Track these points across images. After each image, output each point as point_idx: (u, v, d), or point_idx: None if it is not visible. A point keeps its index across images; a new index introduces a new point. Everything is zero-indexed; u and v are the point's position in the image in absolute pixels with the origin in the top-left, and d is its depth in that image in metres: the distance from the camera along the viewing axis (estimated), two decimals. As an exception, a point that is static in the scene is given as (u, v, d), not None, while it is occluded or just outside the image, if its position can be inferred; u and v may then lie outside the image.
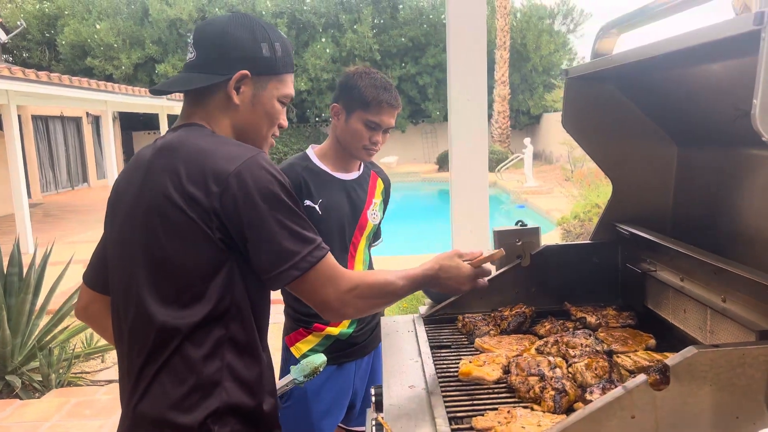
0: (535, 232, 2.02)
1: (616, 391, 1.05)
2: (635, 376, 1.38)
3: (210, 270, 1.23)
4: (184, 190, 1.21)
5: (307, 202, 2.04)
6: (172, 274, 1.24)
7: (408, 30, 22.61)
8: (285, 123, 1.44)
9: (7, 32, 17.90)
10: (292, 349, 2.16)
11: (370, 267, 2.27)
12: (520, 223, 2.07)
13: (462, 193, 3.89)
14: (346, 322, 2.14)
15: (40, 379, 4.37)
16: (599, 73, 1.72)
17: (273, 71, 1.35)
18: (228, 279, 1.25)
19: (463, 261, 1.52)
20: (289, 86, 1.40)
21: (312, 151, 2.19)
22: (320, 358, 1.77)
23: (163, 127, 15.76)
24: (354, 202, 2.14)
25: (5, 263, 4.56)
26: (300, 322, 2.13)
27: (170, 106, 15.73)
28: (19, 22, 20.39)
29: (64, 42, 21.94)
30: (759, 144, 1.47)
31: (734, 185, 1.58)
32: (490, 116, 22.25)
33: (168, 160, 1.26)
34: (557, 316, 1.85)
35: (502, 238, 2.02)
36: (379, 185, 2.26)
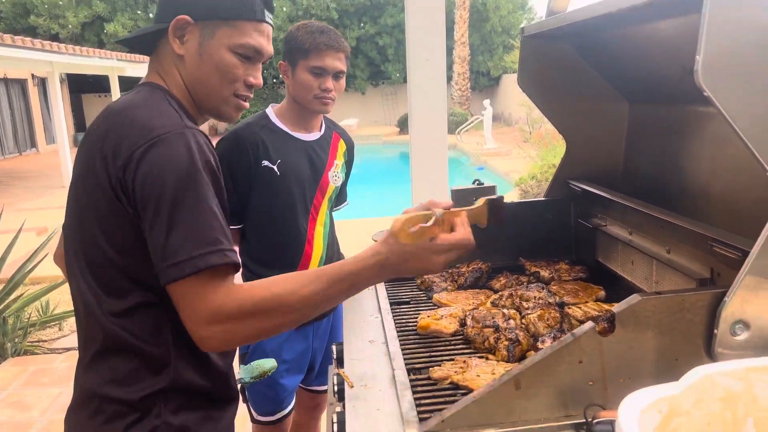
0: (492, 190, 2.06)
1: (565, 339, 1.10)
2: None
3: (140, 248, 1.11)
4: (104, 160, 1.11)
5: (265, 163, 2.02)
6: (104, 251, 1.14)
7: (366, -12, 22.23)
8: (256, 81, 1.26)
9: (-59, -12, 16.90)
10: None
11: (332, 231, 2.26)
12: (477, 182, 2.10)
13: (421, 155, 3.90)
14: None
15: (-5, 348, 4.29)
16: (554, 31, 1.74)
17: (221, 15, 1.19)
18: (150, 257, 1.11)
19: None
20: (248, 35, 1.21)
21: (271, 111, 2.14)
22: (270, 363, 1.79)
23: (114, 89, 15.20)
24: (314, 164, 2.11)
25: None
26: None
27: (121, 67, 15.15)
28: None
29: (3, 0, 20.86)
30: (705, 101, 1.52)
31: (682, 141, 1.64)
32: (449, 78, 22.19)
33: (103, 125, 1.16)
34: (512, 271, 1.90)
35: (459, 197, 2.05)
36: (341, 147, 2.23)
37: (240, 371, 1.77)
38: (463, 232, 1.18)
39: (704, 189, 1.52)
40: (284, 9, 21.73)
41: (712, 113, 1.48)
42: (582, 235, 1.89)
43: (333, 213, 2.34)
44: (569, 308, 1.60)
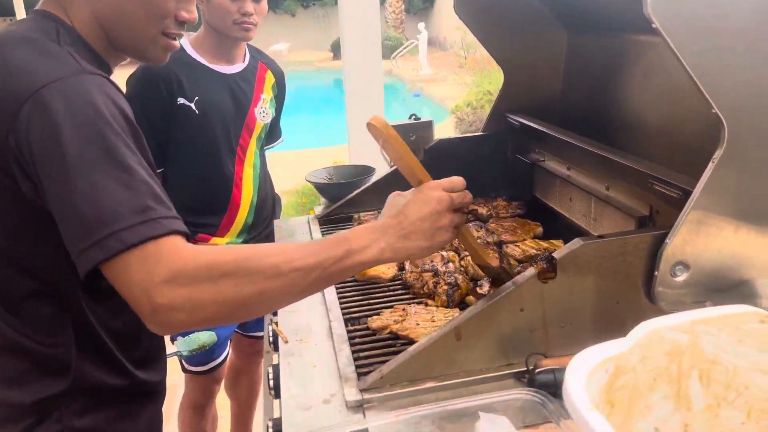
0: (428, 126, 1.98)
1: (506, 287, 1.06)
2: (522, 265, 1.42)
3: (33, 231, 0.93)
4: None
5: (181, 101, 1.84)
6: None
7: None
8: (190, 15, 1.05)
9: None
10: None
11: (264, 172, 2.11)
12: (414, 116, 2.01)
13: (356, 81, 3.76)
14: (234, 231, 2.01)
15: None
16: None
17: None
18: (50, 243, 0.91)
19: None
20: None
21: (186, 41, 1.93)
22: (209, 338, 1.70)
23: (19, 11, 13.91)
24: (238, 99, 1.94)
25: None
26: None
27: (25, -12, 13.84)
28: None
29: None
30: (647, 30, 1.46)
31: (621, 73, 1.59)
32: (383, 0, 21.52)
33: None
34: (451, 209, 1.85)
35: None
36: (269, 79, 2.05)
37: (177, 344, 1.68)
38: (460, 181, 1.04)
39: (644, 123, 1.48)
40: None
41: (653, 43, 1.43)
42: (520, 170, 1.85)
43: (266, 151, 2.20)
44: (507, 247, 1.57)
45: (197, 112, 1.85)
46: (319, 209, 1.98)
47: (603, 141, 1.47)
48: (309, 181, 2.03)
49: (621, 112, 1.58)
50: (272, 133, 2.14)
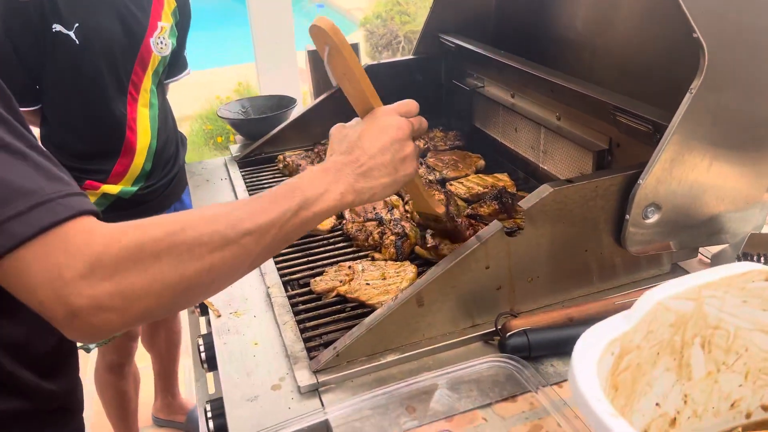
0: (354, 49, 1.78)
1: (469, 244, 0.94)
2: (470, 207, 1.31)
3: None
4: None
5: (57, 27, 1.52)
6: None
7: None
8: None
9: None
10: None
11: (164, 111, 1.82)
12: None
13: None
14: (129, 178, 1.73)
15: None
16: None
17: None
18: None
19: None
20: None
21: None
22: None
23: None
24: (129, 27, 1.64)
25: None
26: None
27: None
28: None
29: None
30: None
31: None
32: None
33: None
34: (383, 142, 1.70)
35: (317, 59, 1.75)
36: (169, 4, 1.73)
37: None
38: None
39: (589, 44, 1.37)
40: None
41: (604, -47, 1.29)
42: (456, 97, 1.71)
43: (170, 84, 1.92)
44: (451, 185, 1.46)
45: (77, 41, 1.55)
46: (235, 148, 1.78)
47: (545, 64, 1.35)
48: (222, 117, 1.80)
49: (564, 31, 1.45)
50: (176, 64, 1.84)
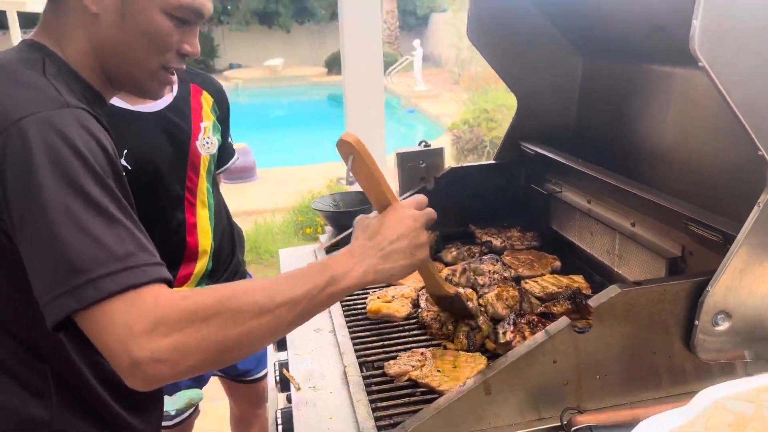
0: (440, 153, 1.92)
1: (538, 338, 0.99)
2: (545, 305, 1.35)
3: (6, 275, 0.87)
4: None
5: None
6: None
7: None
8: (193, 49, 1.02)
9: None
10: None
11: (219, 204, 1.83)
12: (424, 143, 1.95)
13: (356, 96, 3.70)
14: (193, 281, 1.72)
15: None
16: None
17: None
18: (23, 285, 0.82)
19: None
20: None
21: None
22: (196, 393, 1.59)
23: (13, 28, 13.82)
24: (175, 138, 1.64)
25: None
26: None
27: (21, 1, 13.76)
28: None
29: None
30: (668, 60, 1.42)
31: (641, 102, 1.54)
32: (377, 16, 21.56)
33: None
34: (463, 240, 1.79)
35: (405, 160, 1.90)
36: (207, 101, 1.74)
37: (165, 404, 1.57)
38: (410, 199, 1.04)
39: (666, 156, 1.43)
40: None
41: (679, 74, 1.38)
42: (534, 200, 1.79)
43: (221, 174, 1.91)
44: (526, 283, 1.51)
45: (129, 167, 1.54)
46: (324, 238, 1.92)
47: (622, 173, 1.42)
48: (315, 209, 1.96)
49: (640, 143, 1.52)
50: (224, 154, 1.84)
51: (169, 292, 0.79)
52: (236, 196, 6.76)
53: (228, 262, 1.85)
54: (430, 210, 1.03)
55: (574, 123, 1.85)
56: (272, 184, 7.12)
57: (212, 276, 1.78)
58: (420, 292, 1.48)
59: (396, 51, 20.99)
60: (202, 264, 1.74)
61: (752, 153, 0.93)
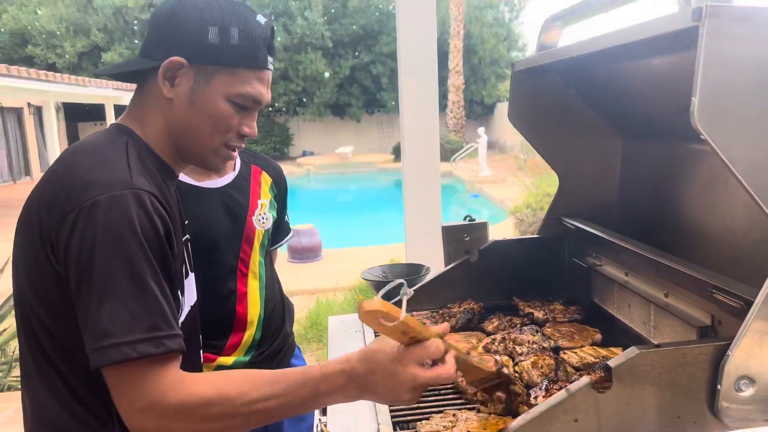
0: (483, 227, 2.00)
1: (559, 395, 1.03)
2: (581, 374, 1.37)
3: (62, 309, 1.01)
4: (39, 212, 1.02)
5: None
6: (37, 313, 1.05)
7: (359, 18, 22.45)
8: (251, 131, 1.16)
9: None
10: None
11: (271, 279, 1.92)
12: (469, 218, 2.04)
13: (414, 182, 3.86)
14: (241, 350, 1.81)
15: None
16: (545, 66, 1.70)
17: (220, 62, 1.09)
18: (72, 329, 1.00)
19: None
20: (248, 83, 1.11)
21: None
22: None
23: (110, 118, 15.23)
24: (233, 212, 1.77)
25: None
26: None
27: (117, 96, 15.21)
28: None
29: (3, 29, 20.99)
30: (697, 139, 1.47)
31: (677, 179, 1.59)
32: (444, 106, 22.37)
33: (56, 168, 1.06)
34: (506, 312, 1.83)
35: (450, 233, 1.99)
36: (266, 181, 1.89)
37: None
38: (449, 368, 1.01)
39: (701, 230, 1.46)
40: (278, 38, 21.93)
41: (708, 151, 1.43)
42: (577, 274, 1.83)
43: (277, 248, 2.03)
44: (564, 353, 1.53)
45: (191, 237, 1.61)
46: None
47: (661, 247, 1.46)
48: (365, 279, 2.06)
49: (678, 217, 1.56)
50: (279, 231, 1.98)
51: (173, 374, 0.96)
52: (301, 275, 6.96)
53: (276, 333, 1.93)
54: (437, 374, 0.99)
55: (617, 200, 1.90)
56: (336, 264, 7.31)
57: (260, 345, 1.86)
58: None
59: (461, 138, 21.49)
60: (250, 333, 1.83)
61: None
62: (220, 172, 1.20)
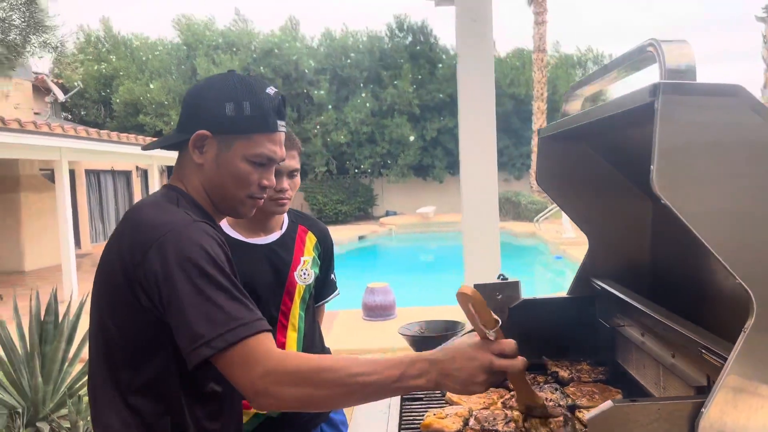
0: (516, 286, 2.05)
1: (537, 444, 1.08)
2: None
3: (141, 337, 1.24)
4: (121, 260, 1.24)
5: None
6: (117, 345, 1.27)
7: (446, 86, 23.08)
8: (269, 183, 1.39)
9: (65, 92, 19.06)
10: None
11: (311, 332, 2.06)
12: (501, 276, 2.11)
13: (474, 242, 3.96)
14: None
15: (69, 426, 4.50)
16: (569, 131, 1.78)
17: (237, 131, 1.31)
18: (160, 349, 1.24)
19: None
20: (261, 145, 1.33)
21: (225, 221, 1.95)
22: None
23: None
24: (276, 267, 1.94)
25: (42, 312, 4.77)
26: None
27: (172, 157, 16.24)
28: (76, 83, 21.73)
29: (118, 100, 23.21)
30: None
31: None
32: (528, 166, 22.25)
33: (125, 224, 1.31)
34: (535, 370, 1.86)
35: (482, 292, 2.05)
36: (310, 240, 2.07)
37: None
38: (520, 363, 1.17)
39: (721, 291, 1.47)
40: (367, 105, 22.85)
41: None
42: (603, 335, 1.84)
43: (324, 306, 2.18)
44: (580, 412, 1.55)
45: None
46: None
47: (691, 307, 1.46)
48: (401, 334, 2.16)
49: (704, 281, 1.57)
50: (325, 288, 2.15)
51: (274, 347, 1.16)
52: (375, 333, 7.05)
53: None
54: (508, 362, 1.15)
55: (648, 261, 1.91)
56: (409, 323, 7.33)
57: None
58: (473, 413, 1.58)
59: (545, 199, 21.17)
60: None
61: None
62: (249, 216, 1.40)
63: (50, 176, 12.00)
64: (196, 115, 1.34)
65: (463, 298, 1.18)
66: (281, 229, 2.04)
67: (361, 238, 19.40)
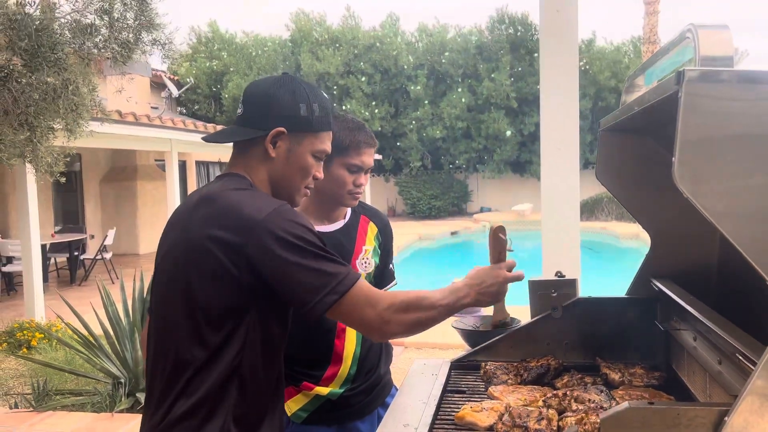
0: (572, 284, 1.99)
1: (547, 441, 1.06)
2: None
3: (234, 314, 1.36)
4: (220, 238, 1.34)
5: None
6: (202, 314, 1.36)
7: (546, 77, 22.34)
8: (320, 175, 1.55)
9: (179, 87, 20.32)
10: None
11: None
12: (559, 273, 2.05)
13: (553, 243, 3.84)
14: (337, 382, 2.01)
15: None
16: (630, 123, 1.71)
17: (309, 129, 1.48)
18: (247, 327, 1.37)
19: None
20: (324, 143, 1.52)
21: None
22: None
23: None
24: (339, 255, 1.92)
25: (146, 291, 5.14)
26: (290, 379, 1.96)
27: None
28: (188, 79, 23.10)
29: (227, 95, 24.44)
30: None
31: None
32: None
33: (208, 209, 1.40)
34: (589, 371, 1.80)
35: (536, 288, 2.01)
36: (371, 230, 2.13)
37: None
38: (518, 275, 1.58)
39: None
40: (463, 100, 22.65)
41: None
42: (658, 338, 1.75)
43: None
44: (622, 416, 1.49)
45: None
46: (457, 355, 2.07)
47: (760, 322, 1.37)
48: (454, 327, 2.15)
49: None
50: (384, 278, 2.18)
51: (379, 291, 1.44)
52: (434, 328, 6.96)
53: (372, 371, 2.10)
54: (517, 274, 1.57)
55: (716, 263, 1.79)
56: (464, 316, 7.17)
57: (355, 380, 2.03)
58: (509, 408, 1.56)
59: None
60: (345, 367, 2.02)
61: None
62: (300, 204, 1.51)
63: (164, 166, 12.90)
64: (271, 113, 1.47)
65: (493, 231, 1.66)
66: (345, 218, 2.10)
67: (453, 233, 19.28)
